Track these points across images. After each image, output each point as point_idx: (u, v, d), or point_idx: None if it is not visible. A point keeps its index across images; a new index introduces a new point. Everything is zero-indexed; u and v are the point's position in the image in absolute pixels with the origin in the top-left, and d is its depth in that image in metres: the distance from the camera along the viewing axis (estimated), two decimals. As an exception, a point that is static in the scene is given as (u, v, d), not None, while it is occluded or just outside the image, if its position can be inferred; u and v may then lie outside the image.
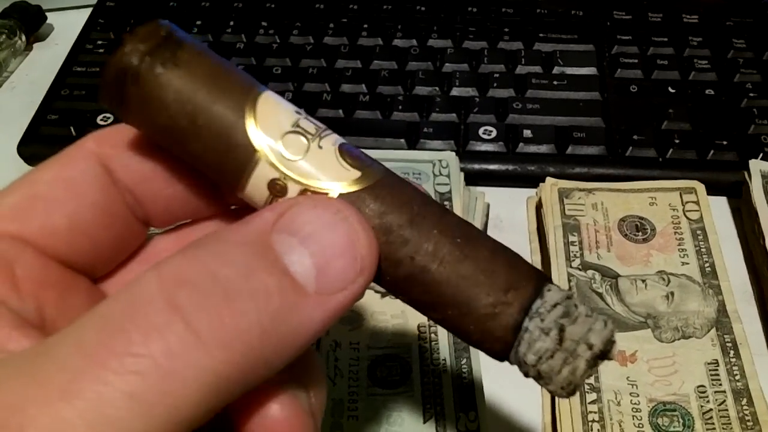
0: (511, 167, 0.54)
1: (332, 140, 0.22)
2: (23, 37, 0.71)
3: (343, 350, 0.42)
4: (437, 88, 0.59)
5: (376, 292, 0.45)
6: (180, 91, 0.21)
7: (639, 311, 0.44)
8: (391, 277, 0.22)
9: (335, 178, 0.22)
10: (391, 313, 0.44)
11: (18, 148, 0.58)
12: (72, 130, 0.58)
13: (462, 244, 0.22)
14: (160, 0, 0.70)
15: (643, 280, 0.45)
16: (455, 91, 0.59)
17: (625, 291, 0.45)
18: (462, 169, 0.53)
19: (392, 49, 0.62)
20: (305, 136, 0.22)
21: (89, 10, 0.71)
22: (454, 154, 0.53)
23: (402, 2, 0.67)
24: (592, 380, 0.41)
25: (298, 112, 0.22)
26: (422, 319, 0.44)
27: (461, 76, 0.60)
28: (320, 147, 0.22)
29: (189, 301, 0.18)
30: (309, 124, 0.22)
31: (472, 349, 0.42)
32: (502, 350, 0.22)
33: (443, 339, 0.42)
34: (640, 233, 0.48)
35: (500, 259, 0.22)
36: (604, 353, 0.22)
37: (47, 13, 0.74)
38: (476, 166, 0.54)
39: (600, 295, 0.44)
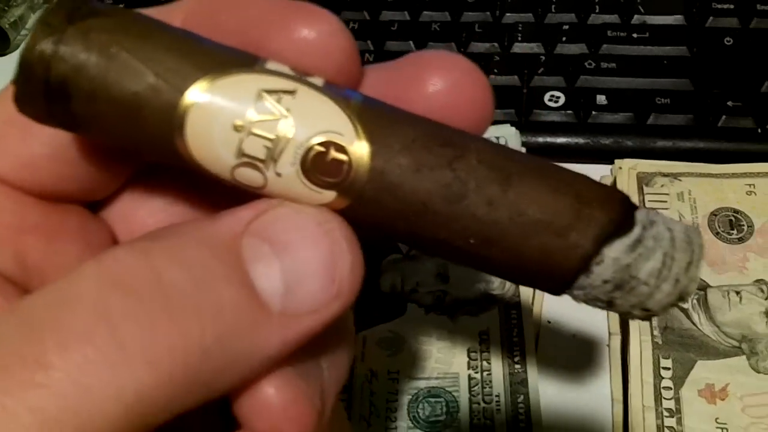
0: (582, 140, 0.47)
1: (291, 156, 0.17)
2: (43, -11, 0.65)
3: (380, 382, 0.37)
4: (496, 44, 0.51)
5: (420, 305, 0.39)
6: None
7: (732, 332, 0.37)
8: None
9: (309, 203, 0.18)
10: (436, 334, 0.38)
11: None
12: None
13: (483, 237, 0.18)
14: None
15: (738, 293, 0.38)
16: (517, 48, 0.51)
17: (716, 307, 0.37)
18: (524, 143, 0.46)
19: (445, -3, 0.55)
20: (256, 167, 0.17)
21: (116, -45, 0.65)
22: (514, 129, 0.46)
23: (457, -61, 0.58)
24: (674, 422, 0.34)
25: (237, 123, 0.17)
26: (473, 341, 0.38)
27: (524, 29, 0.52)
28: (278, 174, 0.17)
29: (121, 307, 0.16)
30: (255, 144, 0.17)
31: (531, 384, 0.36)
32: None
33: (497, 368, 0.36)
34: (734, 231, 0.40)
35: (534, 241, 0.18)
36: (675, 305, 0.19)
37: (73, -42, 0.69)
38: (540, 140, 0.47)
39: (686, 312, 0.37)
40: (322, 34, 0.19)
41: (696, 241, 0.18)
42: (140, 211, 0.23)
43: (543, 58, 0.50)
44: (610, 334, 0.39)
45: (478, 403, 0.36)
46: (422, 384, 0.37)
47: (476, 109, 0.20)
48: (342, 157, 0.17)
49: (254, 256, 0.17)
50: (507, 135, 0.45)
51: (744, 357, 0.36)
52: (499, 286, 0.40)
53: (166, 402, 0.16)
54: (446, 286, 0.40)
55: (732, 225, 0.40)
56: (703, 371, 0.36)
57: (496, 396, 0.36)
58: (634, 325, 0.37)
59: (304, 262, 0.17)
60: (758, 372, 0.36)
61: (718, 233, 0.40)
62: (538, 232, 0.18)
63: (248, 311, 0.17)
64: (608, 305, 0.18)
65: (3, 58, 0.61)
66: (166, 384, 0.16)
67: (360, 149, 0.17)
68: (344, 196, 0.17)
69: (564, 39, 0.51)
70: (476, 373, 0.36)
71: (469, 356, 0.37)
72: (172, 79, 0.17)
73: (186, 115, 0.17)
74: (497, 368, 0.37)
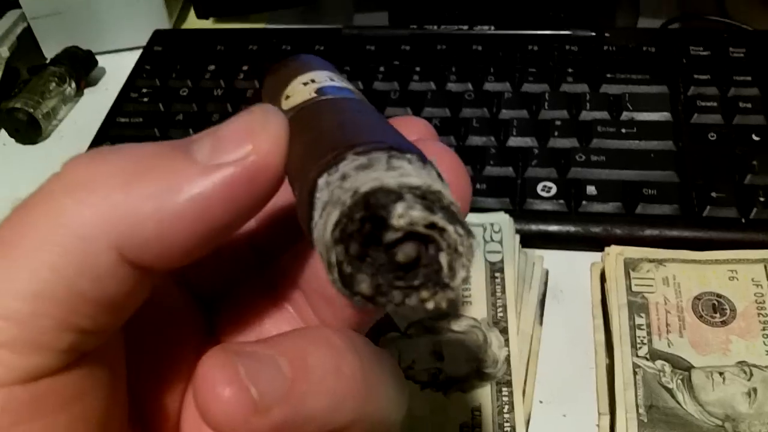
0: (572, 229, 0.49)
1: (315, 86, 0.23)
2: (73, 84, 0.69)
3: (376, 454, 0.38)
4: (492, 138, 0.54)
5: (416, 382, 0.41)
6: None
7: (715, 412, 0.38)
8: None
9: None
10: (431, 409, 0.40)
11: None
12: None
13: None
14: (207, 45, 0.67)
15: (721, 373, 0.39)
16: (512, 141, 0.54)
17: (700, 386, 0.39)
18: (518, 231, 0.48)
19: (445, 95, 0.58)
20: (306, 84, 0.23)
21: (140, 52, 0.69)
22: (507, 216, 0.48)
23: (457, 42, 0.62)
24: (658, 497, 0.36)
25: (313, 81, 0.23)
26: (466, 417, 0.39)
27: (519, 124, 0.55)
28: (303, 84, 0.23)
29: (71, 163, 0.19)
30: (305, 87, 0.23)
31: (519, 458, 0.37)
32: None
33: (488, 443, 0.38)
34: (717, 314, 0.42)
35: (336, 132, 0.20)
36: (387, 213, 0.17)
37: (99, 56, 0.73)
38: (534, 227, 0.49)
39: (670, 391, 0.39)
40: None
41: None
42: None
43: (536, 151, 0.53)
44: (599, 414, 0.40)
45: (469, 478, 0.37)
46: (415, 458, 0.38)
47: (461, 197, 0.22)
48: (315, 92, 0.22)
49: (197, 139, 0.20)
50: (501, 222, 0.47)
51: (727, 435, 0.37)
52: (492, 364, 0.41)
53: (105, 225, 0.18)
54: (441, 363, 0.41)
55: (715, 309, 0.42)
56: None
57: (486, 470, 0.37)
58: (621, 404, 0.39)
59: (228, 128, 0.20)
60: (741, 450, 0.37)
61: (701, 316, 0.42)
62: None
63: (177, 159, 0.19)
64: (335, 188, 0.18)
65: (36, 146, 0.65)
66: (96, 206, 0.18)
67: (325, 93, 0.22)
68: (307, 101, 0.22)
69: (556, 134, 0.54)
70: (468, 447, 0.38)
71: (461, 431, 0.39)
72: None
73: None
74: (488, 443, 0.38)
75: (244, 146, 0.20)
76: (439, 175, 0.18)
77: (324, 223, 0.17)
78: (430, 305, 0.17)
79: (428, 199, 0.17)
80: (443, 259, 0.17)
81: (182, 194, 0.19)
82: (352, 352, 0.21)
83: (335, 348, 0.21)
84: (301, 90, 0.23)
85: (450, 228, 0.17)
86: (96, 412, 0.20)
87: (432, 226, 0.17)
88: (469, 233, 0.17)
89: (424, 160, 0.18)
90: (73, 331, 0.18)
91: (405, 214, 0.16)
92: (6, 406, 0.18)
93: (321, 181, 0.18)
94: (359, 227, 0.17)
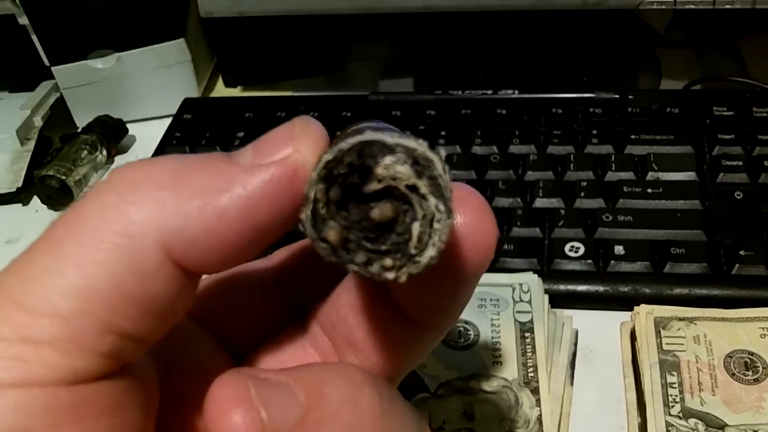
0: (601, 288, 0.49)
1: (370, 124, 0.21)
2: (104, 152, 0.71)
3: None
4: (519, 200, 0.55)
5: (448, 443, 0.41)
6: None
7: (752, 471, 0.38)
8: None
9: None
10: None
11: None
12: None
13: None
14: (235, 112, 0.69)
15: (755, 431, 0.39)
16: (538, 203, 0.54)
17: (735, 445, 0.38)
18: (546, 291, 0.48)
19: (471, 158, 0.59)
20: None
21: (170, 120, 0.71)
22: (536, 277, 0.48)
23: (481, 106, 0.63)
24: None
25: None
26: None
27: (545, 186, 0.55)
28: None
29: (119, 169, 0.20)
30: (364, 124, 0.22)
31: None
32: None
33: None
34: (750, 372, 0.41)
35: None
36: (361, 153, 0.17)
37: (129, 124, 0.75)
38: (562, 288, 0.50)
39: (705, 450, 0.38)
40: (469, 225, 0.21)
41: None
42: None
43: (563, 212, 0.53)
44: (634, 474, 0.40)
45: None
46: None
47: (485, 240, 0.22)
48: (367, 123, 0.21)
49: (240, 150, 0.21)
50: (530, 282, 0.48)
51: (764, 496, 0.37)
52: (523, 425, 0.41)
53: (155, 225, 0.19)
54: (472, 424, 0.41)
55: (747, 366, 0.42)
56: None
57: None
58: (656, 464, 0.38)
59: (270, 136, 0.21)
60: None
61: (733, 374, 0.41)
62: None
63: (223, 162, 0.20)
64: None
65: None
66: (150, 208, 0.19)
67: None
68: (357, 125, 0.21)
69: (582, 194, 0.54)
70: None
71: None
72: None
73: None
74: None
75: (285, 149, 0.20)
76: (446, 169, 0.18)
77: (317, 167, 0.18)
78: (391, 275, 0.17)
79: (419, 163, 0.17)
80: (415, 229, 0.17)
81: (227, 192, 0.19)
82: (372, 387, 0.21)
83: (354, 380, 0.21)
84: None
85: (431, 199, 0.17)
86: (132, 427, 0.20)
87: (414, 188, 0.17)
88: (450, 214, 0.17)
89: (435, 149, 0.18)
90: (115, 334, 0.18)
91: (390, 167, 0.17)
92: (48, 407, 0.17)
93: (335, 147, 0.18)
94: (346, 172, 0.17)
